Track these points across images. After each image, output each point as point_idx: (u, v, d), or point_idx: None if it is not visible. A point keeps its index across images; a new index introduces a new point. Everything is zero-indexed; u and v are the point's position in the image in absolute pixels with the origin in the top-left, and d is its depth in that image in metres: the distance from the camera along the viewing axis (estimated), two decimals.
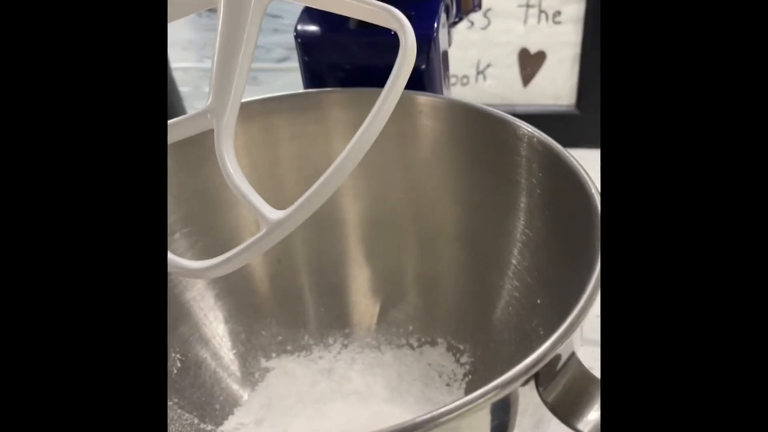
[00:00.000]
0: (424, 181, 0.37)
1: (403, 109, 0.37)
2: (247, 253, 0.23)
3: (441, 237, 0.38)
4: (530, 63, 0.68)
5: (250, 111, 0.36)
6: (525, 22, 0.66)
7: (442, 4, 0.38)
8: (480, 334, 0.37)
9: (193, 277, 0.34)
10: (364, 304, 0.42)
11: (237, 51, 0.25)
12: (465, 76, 0.70)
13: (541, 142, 0.29)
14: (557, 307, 0.31)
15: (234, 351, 0.40)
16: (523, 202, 0.32)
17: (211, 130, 0.25)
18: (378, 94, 0.36)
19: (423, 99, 0.35)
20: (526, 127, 0.30)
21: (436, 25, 0.37)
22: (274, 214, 0.23)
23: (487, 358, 0.37)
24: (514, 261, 0.33)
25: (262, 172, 0.39)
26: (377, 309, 0.42)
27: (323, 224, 0.40)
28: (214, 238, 0.38)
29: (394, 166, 0.38)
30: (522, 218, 0.32)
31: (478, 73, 0.70)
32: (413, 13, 0.37)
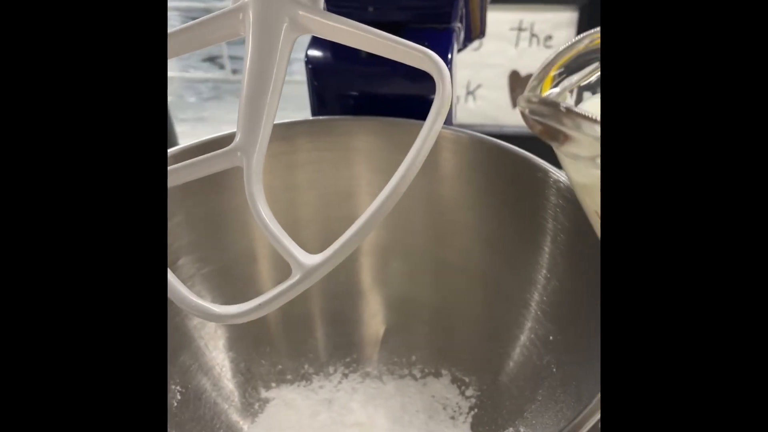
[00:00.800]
0: (443, 213, 0.37)
1: (412, 138, 0.37)
2: (280, 299, 0.22)
3: (455, 269, 0.37)
4: (520, 85, 0.68)
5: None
6: (516, 45, 0.66)
7: (454, 34, 0.38)
8: (487, 367, 0.37)
9: (219, 322, 0.33)
10: (367, 333, 0.41)
11: (266, 87, 0.24)
12: (455, 96, 0.71)
13: (570, 189, 0.29)
14: (571, 345, 0.31)
15: (234, 380, 0.39)
16: (546, 245, 0.32)
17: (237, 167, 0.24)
18: (396, 124, 0.36)
19: (446, 133, 0.35)
20: (556, 173, 0.30)
21: (450, 56, 0.37)
22: (308, 259, 0.22)
23: (494, 392, 0.36)
24: (529, 299, 0.33)
25: (278, 197, 0.38)
26: (380, 337, 0.41)
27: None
28: (218, 265, 0.37)
29: (412, 196, 0.37)
30: (544, 260, 0.32)
31: (468, 93, 0.70)
32: (426, 44, 0.37)
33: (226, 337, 0.39)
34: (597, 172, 0.17)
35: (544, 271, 0.32)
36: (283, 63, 0.25)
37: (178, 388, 0.35)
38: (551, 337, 0.33)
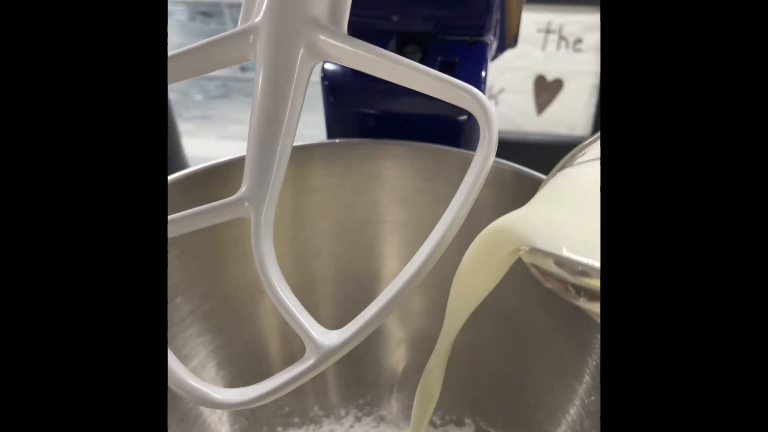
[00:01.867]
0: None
1: (438, 164, 0.34)
2: (290, 384, 0.19)
3: (489, 311, 0.34)
4: (546, 90, 0.64)
5: None
6: (544, 48, 0.62)
7: (488, 47, 0.34)
8: (516, 420, 0.34)
9: (220, 409, 0.29)
10: (383, 373, 0.38)
11: (279, 127, 0.21)
12: None
13: None
14: None
15: (236, 426, 0.35)
16: None
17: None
18: (421, 149, 0.32)
19: (461, 157, 0.31)
20: None
21: (483, 74, 0.33)
22: (325, 338, 0.19)
23: None
24: (574, 354, 0.29)
25: (287, 224, 0.34)
26: (397, 378, 0.38)
27: (350, 282, 0.35)
28: (219, 301, 0.34)
29: (422, 223, 0.34)
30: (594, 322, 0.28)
31: (491, 97, 0.66)
32: (458, 59, 0.33)
33: (230, 378, 0.35)
34: None
35: (596, 332, 0.28)
36: (299, 97, 0.21)
37: None
38: (593, 397, 0.29)
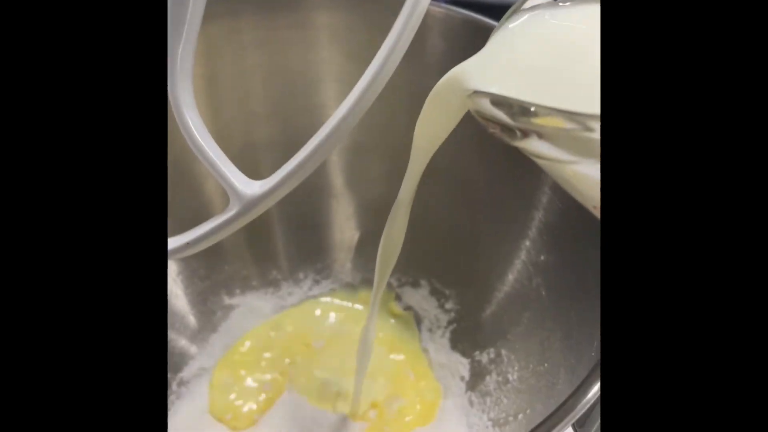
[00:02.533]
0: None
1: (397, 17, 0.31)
2: (213, 236, 0.18)
3: (441, 175, 0.33)
4: None
5: (209, 11, 0.29)
6: None
7: None
8: (469, 282, 0.34)
9: None
10: (339, 238, 0.37)
11: None
12: None
13: None
14: (566, 272, 0.28)
15: (190, 289, 0.35)
16: None
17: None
18: None
19: (435, 11, 0.29)
20: None
21: None
22: (248, 187, 0.18)
23: (474, 308, 0.33)
24: (526, 216, 0.29)
25: (224, 86, 0.32)
26: (354, 244, 0.37)
27: (298, 148, 0.34)
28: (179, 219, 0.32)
29: (394, 86, 0.32)
30: (547, 176, 0.27)
31: None
32: None
33: None
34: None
35: (546, 189, 0.28)
36: None
37: None
38: (542, 257, 0.29)
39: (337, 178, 0.36)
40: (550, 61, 0.17)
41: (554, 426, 0.17)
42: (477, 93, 0.18)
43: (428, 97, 0.22)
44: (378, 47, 0.32)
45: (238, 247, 0.36)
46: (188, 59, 0.18)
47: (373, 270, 0.37)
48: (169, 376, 0.33)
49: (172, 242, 0.18)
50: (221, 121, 0.32)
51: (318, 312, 0.37)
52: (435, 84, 0.33)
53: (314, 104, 0.33)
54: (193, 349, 0.34)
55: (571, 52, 0.17)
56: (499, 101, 0.17)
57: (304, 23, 0.31)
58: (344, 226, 0.37)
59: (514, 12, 0.20)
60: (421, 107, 0.32)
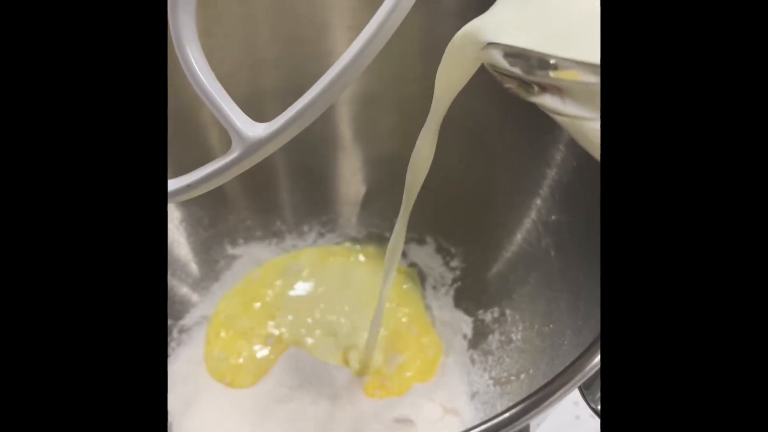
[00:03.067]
0: (435, 62, 0.30)
1: None
2: (214, 179, 0.17)
3: (454, 128, 0.32)
4: None
5: None
6: None
7: None
8: (476, 240, 0.33)
9: None
10: (346, 192, 0.37)
11: None
12: None
13: None
14: (576, 232, 0.27)
15: (193, 237, 0.35)
16: None
17: None
18: None
19: None
20: None
21: None
22: (252, 130, 0.17)
23: (480, 266, 0.33)
24: (538, 174, 0.28)
25: (229, 28, 0.31)
26: (360, 197, 0.37)
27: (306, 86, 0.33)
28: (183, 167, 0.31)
29: (405, 36, 0.31)
30: (563, 134, 0.26)
31: None
32: None
33: None
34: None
35: (561, 147, 0.27)
36: None
37: None
38: (553, 217, 0.28)
39: (346, 130, 0.35)
40: (567, 13, 0.17)
41: (561, 387, 0.17)
42: (492, 45, 0.17)
43: (446, 49, 0.22)
44: None
45: (243, 197, 0.36)
46: None
47: (379, 225, 0.37)
48: (169, 323, 0.33)
49: (173, 184, 0.17)
50: (226, 66, 0.31)
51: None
52: (448, 33, 0.31)
53: (323, 51, 0.32)
54: (194, 297, 0.34)
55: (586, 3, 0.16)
56: (517, 53, 0.16)
57: None
58: (351, 180, 0.36)
59: None
60: (433, 56, 0.31)
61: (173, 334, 0.33)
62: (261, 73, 0.32)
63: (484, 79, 0.30)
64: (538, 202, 0.29)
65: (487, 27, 0.19)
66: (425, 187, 0.35)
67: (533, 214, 0.29)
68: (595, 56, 0.14)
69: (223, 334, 0.33)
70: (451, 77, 0.22)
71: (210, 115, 0.32)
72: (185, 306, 0.34)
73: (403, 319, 0.34)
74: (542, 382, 0.19)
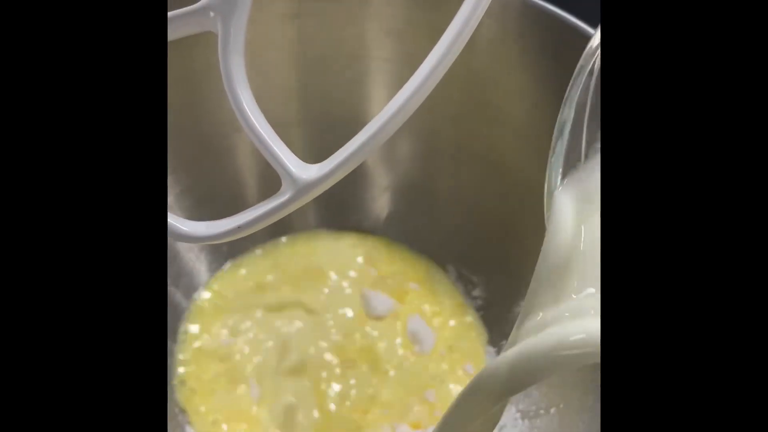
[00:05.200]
0: (472, 91, 0.30)
1: None
2: (264, 220, 0.17)
3: (476, 158, 0.32)
4: None
5: None
6: None
7: None
8: (498, 269, 0.33)
9: (188, 242, 0.28)
10: (368, 218, 0.37)
11: None
12: None
13: None
14: None
15: (215, 264, 0.35)
16: None
17: (211, 33, 0.18)
18: None
19: None
20: None
21: None
22: (304, 172, 0.17)
23: (503, 297, 0.33)
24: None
25: (254, 57, 0.31)
26: (381, 223, 0.37)
27: (332, 124, 0.33)
28: (190, 138, 0.31)
29: (418, 59, 0.31)
30: None
31: None
32: None
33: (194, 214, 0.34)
34: None
35: None
36: None
37: None
38: None
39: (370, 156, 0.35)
40: None
41: None
42: None
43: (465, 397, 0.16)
44: (416, 23, 0.31)
45: None
46: (240, 32, 0.17)
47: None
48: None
49: (224, 224, 0.17)
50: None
51: None
52: (482, 67, 0.32)
53: (348, 80, 0.32)
54: None
55: None
56: None
57: None
58: (373, 206, 0.36)
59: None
60: (464, 90, 0.31)
61: None
62: (285, 101, 0.32)
63: (507, 107, 0.30)
64: None
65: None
66: (446, 213, 0.35)
67: None
68: None
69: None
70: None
71: (245, 144, 0.32)
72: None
73: None
74: (574, 418, 0.19)
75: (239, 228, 0.17)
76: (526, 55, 0.29)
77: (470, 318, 0.34)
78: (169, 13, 0.18)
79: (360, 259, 0.35)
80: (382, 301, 0.34)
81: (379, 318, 0.33)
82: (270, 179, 0.30)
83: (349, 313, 0.33)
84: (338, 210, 0.36)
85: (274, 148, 0.17)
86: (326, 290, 0.34)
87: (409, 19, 0.30)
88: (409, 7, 0.30)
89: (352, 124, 0.33)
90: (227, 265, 0.35)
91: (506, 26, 0.27)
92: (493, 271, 0.33)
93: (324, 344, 0.32)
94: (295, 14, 0.31)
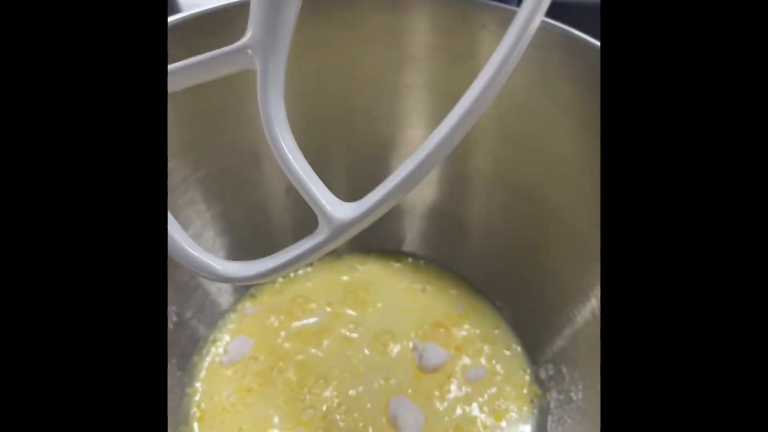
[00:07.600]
0: (510, 126, 0.30)
1: (462, 19, 0.30)
2: (300, 260, 0.17)
3: (502, 184, 0.32)
4: None
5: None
6: None
7: None
8: (528, 300, 0.33)
9: (221, 282, 0.28)
10: (392, 240, 0.37)
11: None
12: None
13: None
14: None
15: (237, 295, 0.34)
16: None
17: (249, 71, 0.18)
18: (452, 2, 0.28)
19: (489, 12, 0.27)
20: None
21: None
22: (340, 211, 0.17)
23: (530, 322, 0.32)
24: (577, 217, 0.28)
25: (294, 85, 0.31)
26: (403, 245, 0.36)
27: (355, 149, 0.33)
28: (216, 167, 0.31)
29: (438, 85, 0.31)
30: None
31: None
32: None
33: (226, 249, 0.34)
34: None
35: None
36: None
37: (173, 308, 0.31)
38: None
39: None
40: None
41: None
42: None
43: None
44: (437, 50, 0.30)
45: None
46: (280, 70, 0.17)
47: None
48: None
49: (259, 266, 0.17)
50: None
51: None
52: (502, 95, 0.31)
53: (366, 107, 0.32)
54: None
55: None
56: None
57: (354, 23, 0.30)
58: (396, 228, 0.36)
59: None
60: (501, 127, 0.30)
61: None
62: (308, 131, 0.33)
63: (537, 134, 0.30)
64: (575, 251, 0.28)
65: None
66: (475, 242, 0.34)
67: (589, 278, 0.28)
68: None
69: None
70: None
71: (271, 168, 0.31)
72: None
73: None
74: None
75: (274, 270, 0.17)
76: (562, 86, 0.28)
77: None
78: (209, 53, 0.18)
79: None
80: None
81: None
82: (295, 207, 0.29)
83: None
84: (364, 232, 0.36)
85: (312, 187, 0.17)
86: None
87: (429, 45, 0.30)
88: (431, 33, 0.30)
89: (377, 148, 0.33)
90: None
91: (547, 56, 0.27)
92: (521, 301, 0.33)
93: None
94: (314, 43, 0.31)
